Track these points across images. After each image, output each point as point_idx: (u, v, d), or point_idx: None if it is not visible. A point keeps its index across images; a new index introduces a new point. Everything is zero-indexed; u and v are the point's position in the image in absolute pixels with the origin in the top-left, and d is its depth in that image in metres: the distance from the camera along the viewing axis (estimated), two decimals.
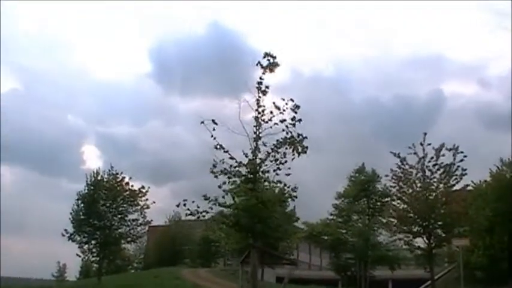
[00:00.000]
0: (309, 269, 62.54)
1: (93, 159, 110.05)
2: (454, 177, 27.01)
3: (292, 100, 14.51)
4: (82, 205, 39.18)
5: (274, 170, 14.54)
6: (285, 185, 14.72)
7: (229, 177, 14.33)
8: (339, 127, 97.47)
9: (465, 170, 26.99)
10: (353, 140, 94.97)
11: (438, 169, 27.23)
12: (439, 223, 27.18)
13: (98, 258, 39.75)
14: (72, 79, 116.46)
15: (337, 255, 39.89)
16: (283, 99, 14.56)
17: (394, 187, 28.90)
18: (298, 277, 50.91)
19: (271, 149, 14.42)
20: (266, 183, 14.39)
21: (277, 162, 14.52)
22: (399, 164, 27.95)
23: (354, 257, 35.96)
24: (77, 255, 38.83)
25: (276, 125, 14.51)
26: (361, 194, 36.62)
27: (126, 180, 40.43)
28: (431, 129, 78.92)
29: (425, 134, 27.95)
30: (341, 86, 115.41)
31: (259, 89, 14.52)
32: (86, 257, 39.07)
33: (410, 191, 27.69)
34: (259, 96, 14.49)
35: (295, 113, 14.46)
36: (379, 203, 33.63)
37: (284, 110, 14.51)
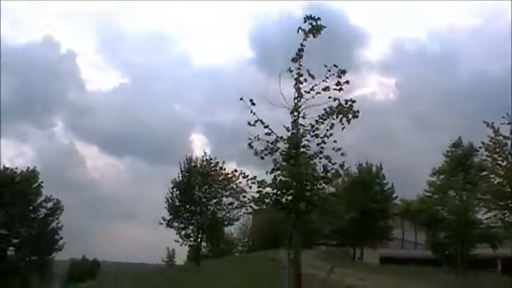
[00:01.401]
0: (403, 247, 61.00)
1: (201, 148, 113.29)
2: None
3: (335, 66, 13.59)
4: (177, 192, 40.54)
5: (318, 144, 13.80)
6: (330, 161, 13.87)
7: (268, 154, 13.84)
8: (445, 104, 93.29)
9: None
10: (459, 117, 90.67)
11: None
12: None
13: (195, 243, 41.00)
14: (176, 70, 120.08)
15: (433, 234, 38.40)
16: (326, 66, 13.69)
17: (488, 160, 27.34)
18: (392, 256, 49.90)
19: (316, 120, 13.69)
20: (307, 159, 13.61)
21: (322, 135, 13.78)
22: (492, 135, 26.44)
23: (451, 235, 34.36)
24: (176, 241, 40.14)
25: (318, 94, 13.73)
26: (457, 169, 34.78)
27: (220, 164, 41.39)
28: None
29: None
30: (446, 61, 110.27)
31: (300, 56, 13.78)
32: (185, 242, 40.36)
33: (505, 163, 25.98)
34: (300, 65, 13.76)
35: (340, 77, 13.57)
36: (477, 178, 31.66)
37: (327, 78, 13.67)
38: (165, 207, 40.49)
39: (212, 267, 39.44)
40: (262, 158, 13.60)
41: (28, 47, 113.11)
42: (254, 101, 13.50)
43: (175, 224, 40.15)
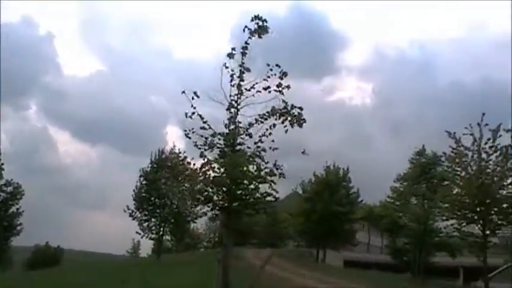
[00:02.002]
0: (368, 250, 61.51)
1: (176, 140, 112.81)
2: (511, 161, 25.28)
3: (278, 66, 13.65)
4: (145, 182, 40.23)
5: (255, 143, 13.82)
6: (263, 160, 13.87)
7: (208, 149, 13.80)
8: (424, 110, 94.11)
9: None
10: (437, 123, 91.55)
11: (495, 151, 25.63)
12: (495, 209, 25.62)
13: (157, 236, 40.67)
14: (155, 60, 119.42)
15: (394, 239, 38.79)
16: (268, 65, 13.73)
17: (449, 170, 27.57)
18: (356, 260, 50.32)
19: (256, 119, 13.70)
20: (241, 157, 13.58)
21: (261, 134, 13.80)
22: (454, 145, 26.64)
23: (411, 242, 34.72)
24: (137, 232, 39.84)
25: (258, 93, 13.74)
26: (421, 177, 35.15)
27: (189, 159, 41.08)
28: None
29: (483, 114, 26.27)
30: (426, 68, 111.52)
31: (243, 54, 13.81)
32: (146, 235, 40.04)
33: (464, 173, 26.20)
34: (243, 62, 13.77)
35: (281, 79, 13.61)
36: (439, 187, 32.01)
37: (268, 77, 13.72)
38: (132, 196, 40.23)
39: (170, 261, 39.31)
40: (201, 153, 13.60)
41: (6, 27, 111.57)
42: (198, 94, 13.50)
43: (138, 215, 39.87)
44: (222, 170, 13.49)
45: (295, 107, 13.53)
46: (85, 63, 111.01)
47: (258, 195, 13.97)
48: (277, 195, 14.27)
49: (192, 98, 13.52)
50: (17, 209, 39.91)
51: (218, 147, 13.62)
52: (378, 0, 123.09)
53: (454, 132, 26.73)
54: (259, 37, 13.73)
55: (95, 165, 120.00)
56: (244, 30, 13.67)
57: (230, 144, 13.54)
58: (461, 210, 26.33)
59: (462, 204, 26.07)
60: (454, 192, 26.66)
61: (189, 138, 13.64)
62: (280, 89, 13.47)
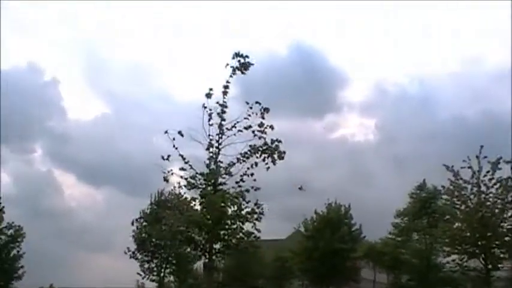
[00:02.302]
0: None
1: (180, 181, 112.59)
2: None
3: (258, 103, 13.66)
4: (145, 224, 40.08)
5: (236, 182, 13.76)
6: (245, 199, 13.81)
7: (191, 189, 13.74)
8: (425, 145, 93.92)
9: None
10: (439, 158, 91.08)
11: (495, 184, 25.49)
12: (497, 242, 25.33)
13: (158, 278, 40.29)
14: (157, 102, 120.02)
15: (396, 276, 38.23)
16: (247, 103, 13.76)
17: (448, 204, 27.41)
18: None
19: (237, 158, 13.67)
20: (222, 197, 13.49)
21: (242, 173, 13.75)
22: (452, 178, 26.56)
23: (414, 278, 34.21)
24: (138, 273, 39.49)
25: (240, 132, 13.73)
26: (421, 211, 34.82)
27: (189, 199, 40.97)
28: None
29: (481, 146, 26.26)
30: (426, 103, 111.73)
31: (224, 93, 13.83)
32: (147, 276, 39.67)
33: (464, 207, 26.03)
34: (224, 101, 13.80)
35: (263, 118, 13.62)
36: (440, 222, 31.70)
37: (249, 115, 13.72)
38: (132, 237, 40.04)
39: None
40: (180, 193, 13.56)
41: (12, 72, 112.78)
42: (182, 134, 13.49)
43: (139, 256, 39.64)
44: (203, 210, 13.43)
45: (275, 140, 13.52)
46: (89, 107, 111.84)
47: (241, 235, 13.84)
48: (258, 235, 14.14)
49: (174, 139, 13.53)
50: (18, 251, 39.61)
51: (199, 188, 13.55)
52: (377, 38, 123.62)
53: (452, 166, 26.72)
54: (242, 73, 13.78)
55: (99, 207, 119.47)
56: (225, 66, 13.70)
57: (211, 184, 13.47)
58: (462, 245, 26.12)
59: (463, 238, 25.86)
60: (455, 226, 26.41)
61: (167, 181, 13.61)
62: (262, 128, 13.46)
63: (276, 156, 13.50)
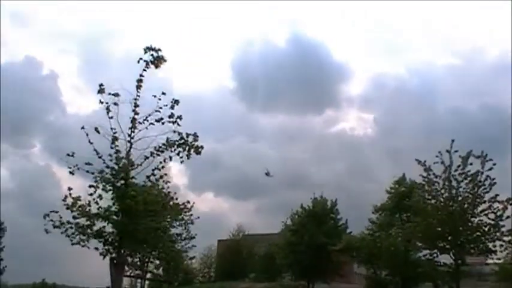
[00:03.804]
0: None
1: (177, 175, 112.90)
2: (482, 187, 24.77)
3: (164, 93, 13.57)
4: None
5: (147, 176, 13.69)
6: (156, 193, 13.78)
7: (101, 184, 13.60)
8: (421, 140, 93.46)
9: (494, 179, 24.69)
10: (435, 152, 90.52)
11: (465, 178, 25.18)
12: (467, 237, 25.01)
13: (141, 273, 40.16)
14: (156, 94, 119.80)
15: (375, 271, 37.90)
16: (155, 96, 13.64)
17: (420, 199, 27.09)
18: None
19: (151, 152, 13.56)
20: (134, 192, 13.36)
21: (155, 167, 13.69)
22: (422, 173, 26.25)
23: (391, 274, 33.95)
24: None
25: (152, 125, 13.63)
26: (398, 206, 34.42)
27: (172, 195, 40.85)
28: None
29: (452, 140, 25.95)
30: (426, 96, 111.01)
31: (138, 87, 13.72)
32: (130, 271, 39.51)
33: (434, 201, 25.73)
34: (138, 95, 13.67)
35: (173, 108, 13.50)
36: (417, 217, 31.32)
37: (161, 108, 13.60)
38: None
39: None
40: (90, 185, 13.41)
41: (9, 66, 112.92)
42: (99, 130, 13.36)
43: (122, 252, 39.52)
44: (114, 203, 13.32)
45: (190, 134, 13.44)
46: (87, 100, 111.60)
47: (149, 229, 13.75)
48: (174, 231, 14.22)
49: (87, 134, 13.40)
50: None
51: (109, 182, 13.41)
52: (376, 31, 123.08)
53: (425, 161, 26.42)
54: (156, 68, 13.67)
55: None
56: (138, 61, 13.60)
57: (121, 178, 13.34)
58: (432, 240, 25.84)
59: (433, 233, 25.57)
60: (425, 221, 26.08)
61: (72, 174, 13.47)
62: (173, 119, 13.36)
63: (192, 150, 13.44)
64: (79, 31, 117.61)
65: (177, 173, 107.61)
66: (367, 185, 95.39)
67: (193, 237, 41.38)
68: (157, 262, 40.53)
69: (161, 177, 13.91)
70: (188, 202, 38.49)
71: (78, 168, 13.47)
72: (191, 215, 39.36)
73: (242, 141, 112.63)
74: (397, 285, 34.05)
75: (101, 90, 13.42)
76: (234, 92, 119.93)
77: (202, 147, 13.55)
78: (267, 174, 50.97)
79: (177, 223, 40.09)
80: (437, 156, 25.86)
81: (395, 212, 34.89)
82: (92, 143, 13.38)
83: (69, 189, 13.62)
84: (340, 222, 44.18)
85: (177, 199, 16.51)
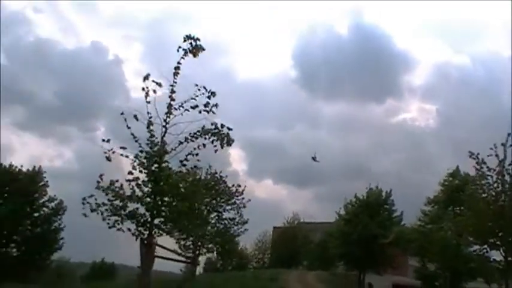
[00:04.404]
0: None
1: (238, 162, 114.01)
2: None
3: (204, 88, 13.73)
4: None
5: (181, 161, 13.91)
6: (186, 180, 14.01)
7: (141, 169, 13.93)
8: (486, 131, 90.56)
9: None
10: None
11: None
12: None
13: (193, 255, 40.86)
14: (219, 83, 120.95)
15: (424, 265, 37.21)
16: (197, 85, 13.80)
17: (472, 192, 26.36)
18: (406, 284, 48.59)
19: (186, 138, 13.80)
20: (167, 175, 13.65)
21: (189, 153, 13.90)
22: (476, 166, 25.48)
23: (441, 267, 33.23)
24: (174, 250, 40.00)
25: (187, 112, 13.84)
26: (451, 200, 33.57)
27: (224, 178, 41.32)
28: None
29: (508, 134, 25.04)
30: (490, 87, 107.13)
31: (175, 74, 13.96)
32: (183, 253, 40.21)
33: (485, 195, 24.96)
34: (175, 82, 13.91)
35: (209, 98, 13.67)
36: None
37: (197, 96, 13.79)
38: None
39: (207, 279, 39.53)
40: (129, 172, 13.72)
41: (76, 52, 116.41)
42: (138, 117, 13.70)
43: (176, 234, 40.28)
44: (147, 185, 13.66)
45: (224, 126, 13.63)
46: (151, 86, 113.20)
47: (179, 211, 14.02)
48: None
49: (125, 120, 13.78)
50: (59, 224, 41.18)
51: (143, 166, 13.74)
52: (439, 21, 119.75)
53: (478, 153, 25.64)
54: (194, 57, 13.87)
55: None
56: (178, 50, 13.81)
57: (154, 161, 13.66)
58: (483, 235, 25.17)
59: (483, 228, 24.87)
60: (476, 215, 25.38)
61: (109, 160, 13.81)
62: (207, 108, 13.55)
63: (225, 141, 13.68)
64: (143, 17, 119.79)
65: (237, 159, 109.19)
66: (428, 177, 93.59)
67: (246, 222, 42.09)
68: (210, 246, 41.60)
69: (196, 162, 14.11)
70: (239, 185, 39.16)
71: (114, 152, 13.83)
72: (243, 198, 40.41)
73: (303, 129, 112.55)
74: (445, 280, 33.38)
75: (146, 77, 13.77)
76: (295, 81, 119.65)
77: (233, 140, 13.84)
78: (314, 159, 50.32)
79: (229, 207, 41.09)
80: (491, 149, 25.04)
81: (447, 205, 34.09)
82: (129, 128, 13.72)
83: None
84: (394, 213, 43.61)
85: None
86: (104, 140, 13.85)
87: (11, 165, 40.51)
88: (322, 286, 41.81)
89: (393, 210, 43.51)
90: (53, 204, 40.86)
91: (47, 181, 40.71)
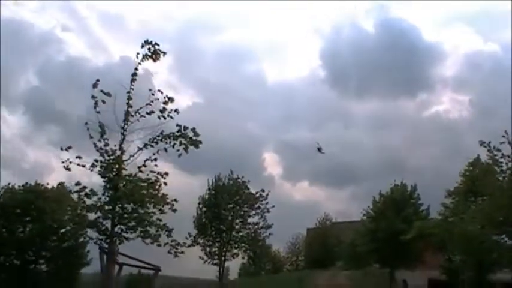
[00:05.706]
0: None
1: (273, 165, 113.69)
2: None
3: (160, 91, 13.77)
4: (204, 209, 41.16)
5: (139, 167, 13.92)
6: (145, 184, 13.98)
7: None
8: None
9: None
10: None
11: None
12: None
13: (219, 261, 41.05)
14: (250, 88, 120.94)
15: (449, 258, 36.34)
16: (150, 90, 13.89)
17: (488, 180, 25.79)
18: (442, 279, 47.52)
19: (145, 144, 13.82)
20: (128, 184, 13.67)
21: (146, 159, 13.94)
22: (488, 154, 25.01)
23: (466, 260, 32.35)
24: (200, 257, 40.41)
25: (143, 118, 13.86)
26: (472, 190, 32.70)
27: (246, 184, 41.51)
28: None
29: None
30: None
31: (132, 80, 14.03)
32: (209, 260, 40.49)
33: (499, 182, 24.40)
34: (132, 89, 13.98)
35: (166, 103, 13.67)
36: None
37: (152, 102, 13.81)
38: (193, 222, 41.23)
39: (234, 285, 39.77)
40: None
41: (105, 67, 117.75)
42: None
43: (201, 241, 40.67)
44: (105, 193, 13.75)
45: (188, 128, 13.60)
46: (182, 96, 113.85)
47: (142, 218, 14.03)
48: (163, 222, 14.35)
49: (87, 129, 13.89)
50: (84, 237, 41.60)
51: (101, 174, 13.83)
52: (467, 11, 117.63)
53: (489, 142, 25.19)
54: (154, 61, 13.98)
55: (195, 194, 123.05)
56: (137, 56, 13.94)
57: (111, 169, 13.73)
58: (498, 223, 24.62)
59: (498, 216, 24.33)
60: (486, 205, 24.90)
61: (68, 170, 13.93)
62: (164, 114, 13.59)
63: (188, 144, 13.68)
64: (170, 29, 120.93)
65: (272, 163, 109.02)
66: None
67: (270, 226, 42.19)
68: (235, 251, 41.79)
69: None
70: (263, 191, 39.31)
71: (71, 162, 14.02)
72: (267, 203, 40.52)
73: (335, 129, 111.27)
74: (471, 273, 32.57)
75: (95, 85, 13.92)
76: (324, 81, 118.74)
77: (200, 142, 13.82)
78: (319, 150, 49.16)
79: (253, 212, 41.31)
80: (503, 137, 24.56)
81: (469, 195, 33.26)
82: (92, 137, 13.85)
83: (77, 183, 14.23)
84: (421, 207, 42.86)
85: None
86: (62, 149, 13.96)
87: (37, 184, 41.19)
88: (351, 285, 41.53)
89: (420, 205, 42.81)
90: (77, 218, 41.21)
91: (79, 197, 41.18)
